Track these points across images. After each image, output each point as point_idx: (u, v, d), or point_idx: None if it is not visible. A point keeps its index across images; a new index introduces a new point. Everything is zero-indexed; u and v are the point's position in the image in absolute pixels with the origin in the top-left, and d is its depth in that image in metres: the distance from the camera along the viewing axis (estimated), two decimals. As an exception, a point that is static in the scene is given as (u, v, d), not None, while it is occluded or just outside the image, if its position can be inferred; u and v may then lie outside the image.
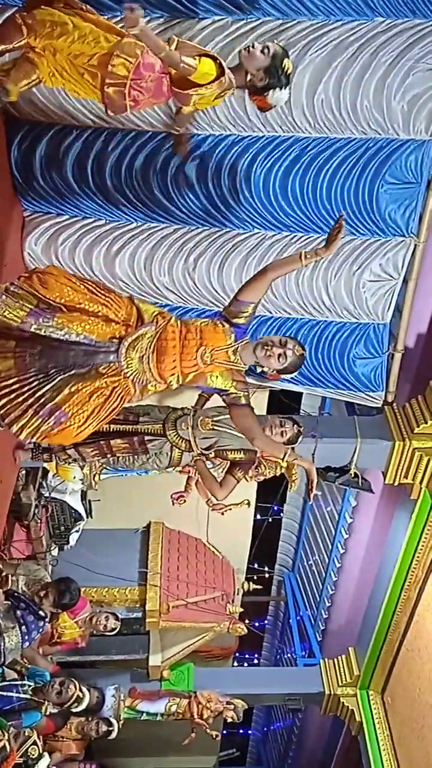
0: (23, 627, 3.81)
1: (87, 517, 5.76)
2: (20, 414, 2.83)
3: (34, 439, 3.03)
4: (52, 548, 5.71)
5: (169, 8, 3.69)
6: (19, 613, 3.86)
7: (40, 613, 3.95)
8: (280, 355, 2.90)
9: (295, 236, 4.32)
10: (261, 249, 4.33)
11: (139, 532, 6.65)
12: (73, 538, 5.81)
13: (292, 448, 3.20)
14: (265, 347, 2.92)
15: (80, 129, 4.06)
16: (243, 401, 3.05)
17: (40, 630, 4.01)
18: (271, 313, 4.59)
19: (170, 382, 2.98)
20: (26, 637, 3.84)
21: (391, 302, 4.42)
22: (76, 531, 5.78)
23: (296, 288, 4.39)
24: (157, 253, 4.36)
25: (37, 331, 2.78)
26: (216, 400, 3.59)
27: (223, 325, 2.98)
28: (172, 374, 2.95)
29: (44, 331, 2.78)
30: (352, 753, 6.64)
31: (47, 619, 4.07)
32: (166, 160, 4.05)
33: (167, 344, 2.92)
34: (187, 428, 3.89)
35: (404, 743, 5.85)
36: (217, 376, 2.99)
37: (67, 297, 2.82)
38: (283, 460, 3.15)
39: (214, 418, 3.93)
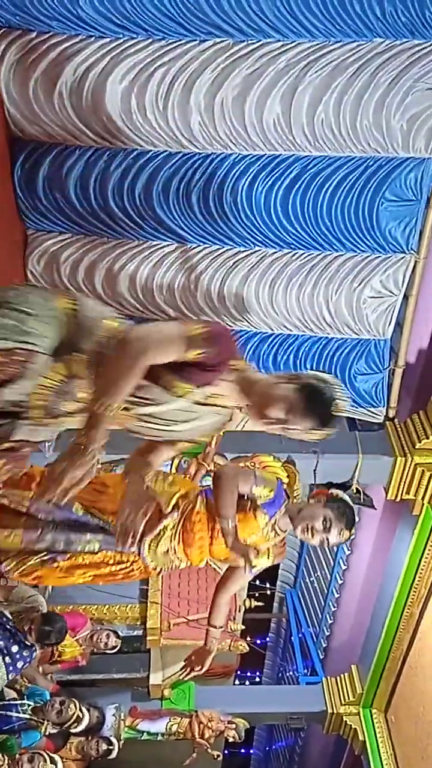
0: (7, 658, 3.63)
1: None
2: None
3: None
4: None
5: (170, 31, 3.74)
6: (2, 643, 3.66)
7: (26, 642, 3.76)
8: (321, 540, 2.70)
9: (296, 253, 4.35)
10: (262, 266, 4.36)
11: (139, 548, 6.61)
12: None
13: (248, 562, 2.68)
14: (306, 530, 2.70)
15: (83, 149, 4.09)
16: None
17: (27, 661, 3.82)
18: (272, 329, 4.61)
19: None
20: (11, 668, 3.66)
21: (391, 318, 4.44)
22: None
23: (297, 304, 4.41)
24: (158, 271, 4.38)
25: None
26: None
27: (254, 511, 2.69)
28: (202, 559, 2.80)
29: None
30: (356, 773, 6.56)
31: (35, 649, 3.87)
32: (168, 179, 4.08)
33: (194, 536, 2.71)
34: None
35: (408, 762, 5.78)
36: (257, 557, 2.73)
37: None
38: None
39: None
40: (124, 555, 2.72)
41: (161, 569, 2.80)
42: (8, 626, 3.78)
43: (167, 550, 2.72)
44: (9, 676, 3.73)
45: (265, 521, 2.70)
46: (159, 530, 2.69)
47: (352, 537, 2.82)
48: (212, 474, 2.78)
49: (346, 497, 2.81)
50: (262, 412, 2.07)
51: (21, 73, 3.83)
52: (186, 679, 3.24)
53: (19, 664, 3.74)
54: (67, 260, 4.41)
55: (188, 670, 2.98)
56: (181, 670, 3.08)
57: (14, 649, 3.68)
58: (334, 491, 2.85)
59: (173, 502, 2.74)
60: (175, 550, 2.73)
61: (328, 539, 2.69)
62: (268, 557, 2.89)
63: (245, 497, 2.68)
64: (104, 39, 3.77)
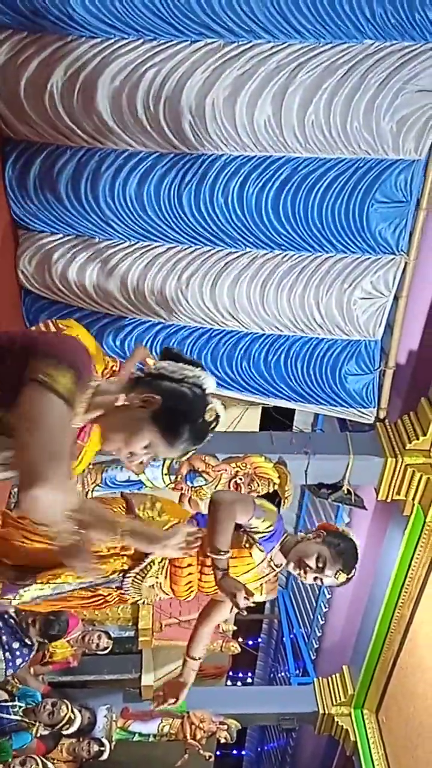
0: (7, 653, 3.66)
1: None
2: None
3: None
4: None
5: (161, 31, 3.74)
6: (4, 638, 3.70)
7: (26, 641, 3.78)
8: (316, 578, 2.49)
9: (287, 255, 4.36)
10: (252, 268, 4.37)
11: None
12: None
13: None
14: (299, 567, 2.49)
15: (74, 149, 4.10)
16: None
17: (25, 659, 3.85)
18: (263, 330, 4.62)
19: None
20: (10, 664, 3.70)
21: (382, 319, 4.46)
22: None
23: (288, 305, 4.42)
24: (150, 272, 4.38)
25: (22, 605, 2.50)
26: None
27: (250, 546, 2.49)
28: (190, 592, 2.64)
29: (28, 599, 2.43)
30: (347, 773, 6.57)
31: (34, 648, 3.90)
32: (159, 179, 4.09)
33: (182, 572, 2.55)
34: None
35: (399, 763, 5.79)
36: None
37: (34, 556, 2.39)
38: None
39: None
40: (91, 590, 2.52)
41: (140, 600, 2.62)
42: (10, 623, 3.82)
43: (153, 585, 2.56)
44: (7, 672, 3.75)
45: (261, 557, 2.49)
46: (145, 565, 2.51)
47: (350, 579, 2.56)
48: (210, 499, 2.50)
49: (352, 536, 2.60)
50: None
51: (12, 73, 3.83)
52: (158, 710, 3.04)
53: (18, 661, 3.76)
54: (59, 260, 4.41)
55: (160, 702, 2.66)
56: (153, 701, 2.81)
57: (15, 645, 3.73)
58: (343, 528, 2.70)
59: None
60: (161, 585, 2.58)
61: (321, 579, 2.48)
62: (260, 593, 2.68)
63: (241, 529, 2.47)
64: (95, 39, 3.77)
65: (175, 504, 3.64)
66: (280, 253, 4.37)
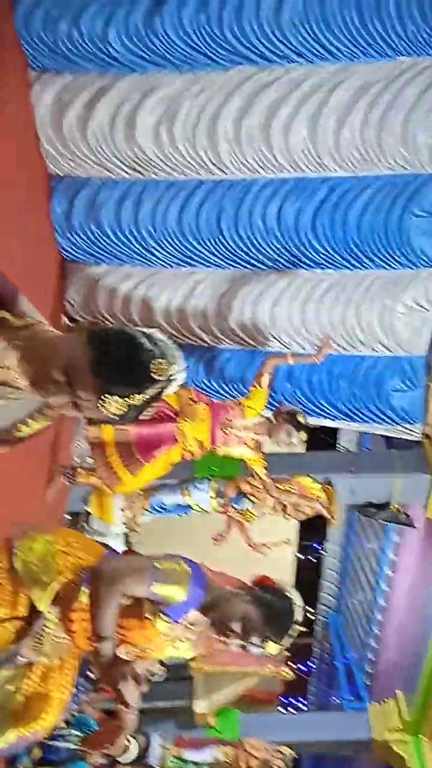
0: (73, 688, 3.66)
1: (128, 560, 5.73)
2: None
3: None
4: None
5: (196, 62, 3.84)
6: None
7: (89, 674, 3.78)
8: (240, 645, 2.02)
9: (327, 273, 4.37)
10: (293, 287, 4.38)
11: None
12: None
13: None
14: (220, 632, 2.03)
15: (116, 181, 4.21)
16: None
17: (88, 691, 3.84)
18: (304, 349, 4.60)
19: None
20: (75, 698, 3.70)
21: (425, 334, 4.40)
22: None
23: (329, 323, 4.41)
24: (191, 296, 4.43)
25: None
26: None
27: (153, 616, 2.02)
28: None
29: None
30: (407, 803, 6.35)
31: (95, 684, 3.88)
32: (198, 206, 4.15)
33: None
34: None
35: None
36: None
37: None
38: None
39: None
40: None
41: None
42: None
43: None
44: (72, 707, 3.76)
45: (167, 628, 2.03)
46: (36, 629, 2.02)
47: (282, 649, 2.10)
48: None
49: (290, 594, 2.14)
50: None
51: (57, 114, 3.98)
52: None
53: (82, 696, 3.78)
54: (104, 291, 4.49)
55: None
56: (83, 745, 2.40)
57: (80, 680, 3.69)
58: (279, 584, 2.18)
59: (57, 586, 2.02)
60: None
61: (245, 648, 2.01)
62: (188, 649, 2.18)
63: (142, 601, 2.02)
64: (135, 74, 3.90)
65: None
66: (320, 272, 4.37)
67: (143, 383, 1.33)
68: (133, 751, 4.47)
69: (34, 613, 2.02)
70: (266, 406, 3.90)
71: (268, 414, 3.92)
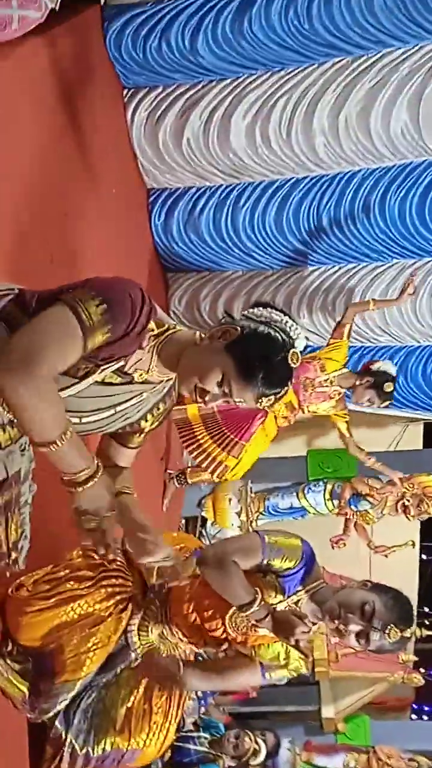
0: (200, 692, 3.67)
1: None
2: None
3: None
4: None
5: (288, 60, 3.79)
6: None
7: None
8: (360, 633, 1.91)
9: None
10: (402, 278, 4.21)
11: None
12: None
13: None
14: (338, 619, 1.92)
15: (212, 188, 4.24)
16: None
17: (215, 694, 3.88)
18: (418, 342, 4.41)
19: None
20: (202, 702, 3.76)
21: None
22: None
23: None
24: (295, 296, 4.38)
25: None
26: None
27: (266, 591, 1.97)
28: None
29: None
30: None
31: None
32: (297, 204, 4.10)
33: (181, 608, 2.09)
34: None
35: None
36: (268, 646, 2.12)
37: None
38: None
39: None
40: None
41: None
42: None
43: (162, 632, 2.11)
44: (200, 710, 3.82)
45: (279, 599, 1.99)
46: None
47: (406, 640, 2.00)
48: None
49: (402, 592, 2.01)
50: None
51: (151, 128, 4.06)
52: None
53: (209, 699, 3.82)
54: (207, 297, 4.54)
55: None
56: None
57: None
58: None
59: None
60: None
61: (367, 636, 1.90)
62: (297, 666, 2.14)
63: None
64: (225, 80, 3.91)
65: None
66: (430, 260, 4.18)
67: (287, 378, 1.48)
68: (263, 753, 4.46)
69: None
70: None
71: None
